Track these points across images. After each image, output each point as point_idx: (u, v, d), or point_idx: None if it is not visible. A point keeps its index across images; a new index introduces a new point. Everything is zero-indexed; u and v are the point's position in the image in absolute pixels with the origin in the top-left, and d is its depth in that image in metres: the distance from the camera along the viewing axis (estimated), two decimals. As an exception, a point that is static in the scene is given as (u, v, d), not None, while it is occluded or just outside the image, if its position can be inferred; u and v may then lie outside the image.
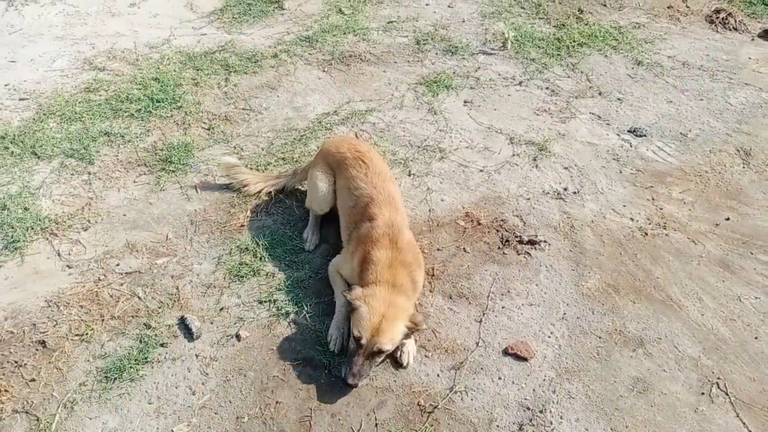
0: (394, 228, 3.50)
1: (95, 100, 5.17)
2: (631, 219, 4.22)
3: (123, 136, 4.82)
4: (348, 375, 3.09)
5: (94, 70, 5.55)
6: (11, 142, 4.74)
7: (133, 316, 3.55)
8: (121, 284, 3.74)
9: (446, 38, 6.08)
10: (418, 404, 3.12)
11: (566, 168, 4.67)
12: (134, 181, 4.48)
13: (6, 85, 5.40)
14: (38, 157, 4.64)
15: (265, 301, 3.63)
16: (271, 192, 4.35)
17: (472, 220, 4.18)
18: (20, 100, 5.22)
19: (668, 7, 6.79)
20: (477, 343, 3.41)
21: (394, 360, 3.32)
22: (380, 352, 3.12)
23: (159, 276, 3.80)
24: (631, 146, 4.87)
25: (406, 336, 3.20)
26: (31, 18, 6.35)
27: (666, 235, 4.09)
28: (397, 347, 3.28)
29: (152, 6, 6.68)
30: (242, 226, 4.13)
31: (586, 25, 6.34)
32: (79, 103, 5.12)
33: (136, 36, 5.97)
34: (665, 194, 4.42)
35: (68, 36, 6.09)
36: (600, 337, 3.44)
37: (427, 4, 6.62)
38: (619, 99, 5.39)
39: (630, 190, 4.46)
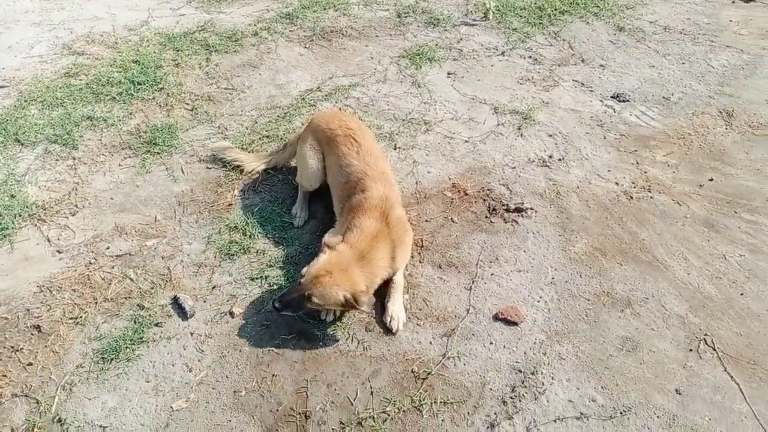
0: (387, 202, 3.53)
1: (76, 84, 5.11)
2: (616, 183, 4.27)
3: (106, 120, 4.78)
4: (276, 300, 3.21)
5: (73, 54, 5.49)
6: (-7, 131, 4.70)
7: (126, 298, 3.57)
8: (113, 267, 3.75)
9: (428, 10, 6.05)
10: (411, 371, 3.18)
11: (551, 135, 4.70)
12: (119, 165, 4.46)
13: (-16, 73, 5.33)
14: (22, 144, 4.60)
15: (256, 278, 3.65)
16: (261, 170, 4.36)
17: (459, 191, 4.21)
18: (0, 87, 5.15)
19: (649, -28, 6.78)
20: (467, 310, 3.46)
21: (385, 327, 3.37)
22: (309, 298, 3.17)
23: (150, 257, 3.81)
24: (614, 112, 4.90)
25: (344, 306, 3.22)
26: (6, 4, 6.24)
27: (651, 197, 4.15)
28: (386, 313, 3.39)
29: (129, -12, 6.58)
30: (230, 205, 4.14)
31: (568, -8, 6.33)
32: (60, 88, 5.06)
33: (114, 19, 5.90)
34: (649, 158, 4.47)
35: (45, 21, 6.00)
36: (588, 300, 3.51)
37: (407, -23, 6.58)
38: (601, 65, 5.40)
39: (614, 155, 4.50)
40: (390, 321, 3.38)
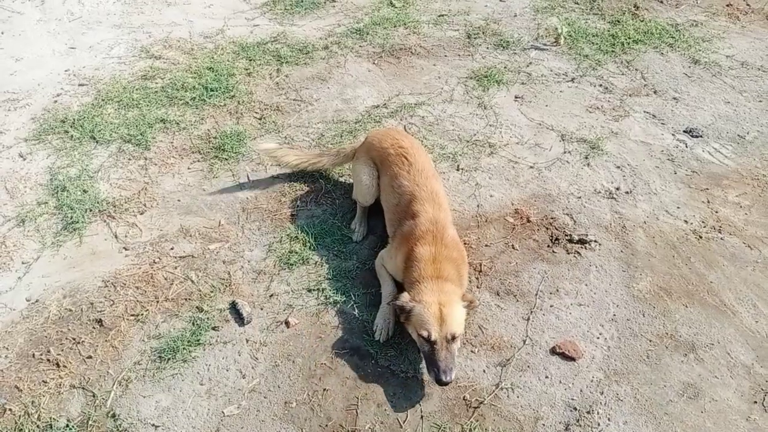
0: (438, 225, 3.50)
1: (152, 87, 5.30)
2: (685, 221, 4.12)
3: (178, 124, 4.94)
4: (440, 374, 2.99)
5: (150, 58, 5.70)
6: (71, 126, 4.91)
7: (186, 299, 3.65)
8: (175, 267, 3.85)
9: (497, 32, 6.03)
10: (463, 399, 3.13)
11: (619, 167, 4.59)
12: (188, 168, 4.59)
13: (66, 71, 5.58)
14: (97, 142, 4.79)
15: (313, 290, 3.68)
16: (307, 166, 4.35)
17: (521, 217, 4.15)
18: (80, 85, 5.39)
19: (727, 5, 6.58)
20: (524, 341, 3.40)
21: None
22: (454, 337, 3.09)
23: (211, 261, 3.89)
24: (686, 147, 4.75)
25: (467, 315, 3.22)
26: (91, 6, 6.54)
27: (721, 239, 3.99)
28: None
29: (206, -4, 6.81)
30: (292, 215, 4.19)
31: (642, 21, 6.19)
32: (137, 90, 5.26)
33: (191, 26, 6.10)
34: (721, 197, 4.31)
35: (125, 24, 6.25)
36: (650, 341, 3.39)
37: (478, -2, 6.59)
38: (674, 98, 5.26)
39: (684, 192, 4.35)
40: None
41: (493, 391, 3.16)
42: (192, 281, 3.75)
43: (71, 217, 4.16)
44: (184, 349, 3.37)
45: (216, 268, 3.84)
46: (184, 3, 6.70)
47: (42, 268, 3.87)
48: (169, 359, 3.33)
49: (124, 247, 3.99)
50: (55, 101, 5.20)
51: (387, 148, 3.94)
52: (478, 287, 3.69)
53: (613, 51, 5.76)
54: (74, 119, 4.97)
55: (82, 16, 6.40)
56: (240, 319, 3.53)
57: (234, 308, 3.59)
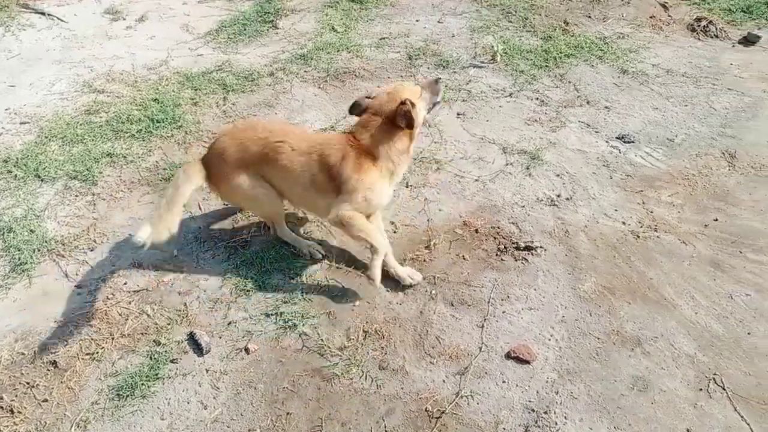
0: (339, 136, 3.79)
1: (96, 121, 5.26)
2: (623, 223, 4.35)
3: (125, 157, 4.91)
4: None
5: (93, 92, 5.65)
6: (14, 166, 4.82)
7: (142, 334, 3.63)
8: (130, 302, 3.82)
9: (437, 53, 6.23)
10: (425, 410, 3.21)
11: (558, 175, 4.80)
12: (138, 201, 4.56)
13: (6, 110, 5.48)
14: (42, 180, 4.72)
15: (271, 314, 3.71)
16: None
17: (469, 229, 4.29)
18: (21, 123, 5.30)
19: (651, 17, 6.98)
20: (480, 348, 3.51)
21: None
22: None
23: (166, 293, 3.88)
24: (620, 152, 5.01)
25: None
26: (29, 43, 6.45)
27: (657, 237, 4.22)
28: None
29: (148, 28, 6.80)
30: (246, 241, 4.22)
31: (572, 36, 6.51)
32: (80, 125, 5.21)
33: (134, 58, 6.08)
34: (655, 198, 4.56)
35: (66, 59, 6.19)
36: (599, 338, 3.55)
37: (417, 20, 6.78)
38: (606, 107, 5.54)
39: (621, 195, 4.59)
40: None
41: (454, 400, 3.26)
42: (148, 315, 3.73)
43: (19, 259, 4.08)
44: (142, 384, 3.34)
45: (172, 300, 3.83)
46: (125, 36, 6.67)
47: (-9, 312, 3.78)
48: (127, 396, 3.30)
49: (75, 286, 3.94)
50: (-4, 142, 5.10)
51: (260, 150, 3.72)
52: (433, 299, 3.80)
53: (546, 65, 6.03)
54: (17, 158, 4.88)
55: (21, 53, 6.30)
56: (199, 349, 3.53)
57: (192, 339, 3.59)
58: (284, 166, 3.67)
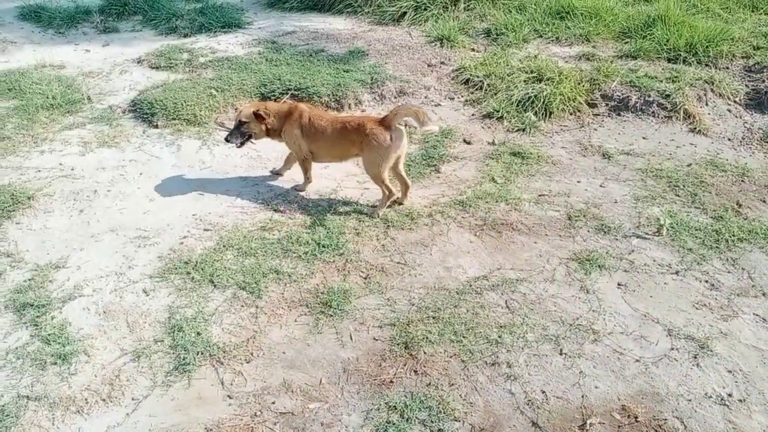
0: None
1: (269, 238, 5.70)
2: (812, 442, 3.82)
3: (290, 275, 5.22)
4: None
5: (270, 210, 6.18)
6: (193, 268, 5.29)
7: (282, 459, 3.64)
8: (275, 423, 3.89)
9: (598, 216, 6.18)
10: None
11: (730, 371, 4.39)
12: (295, 320, 4.77)
13: (194, 215, 6.12)
14: (214, 286, 5.11)
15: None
16: None
17: (629, 415, 3.98)
18: (205, 230, 5.87)
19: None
20: None
21: None
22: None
23: (310, 421, 3.91)
24: (805, 358, 4.52)
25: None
26: (221, 158, 7.28)
27: None
28: None
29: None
30: (391, 381, 4.21)
31: (746, 220, 6.20)
32: (255, 239, 5.66)
33: (309, 185, 6.62)
34: None
35: (250, 177, 6.88)
36: None
37: (578, 182, 6.83)
38: (787, 303, 5.10)
39: (808, 409, 4.08)
40: None
41: None
42: (290, 441, 3.76)
43: (184, 358, 4.35)
44: None
45: (314, 430, 3.84)
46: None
47: (150, 406, 4.00)
48: None
49: (228, 395, 4.10)
50: (181, 243, 5.66)
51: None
52: (584, 489, 3.48)
53: (717, 247, 5.74)
54: (197, 261, 5.36)
55: (212, 165, 7.11)
56: (335, 489, 3.46)
57: (329, 476, 3.54)
58: None
